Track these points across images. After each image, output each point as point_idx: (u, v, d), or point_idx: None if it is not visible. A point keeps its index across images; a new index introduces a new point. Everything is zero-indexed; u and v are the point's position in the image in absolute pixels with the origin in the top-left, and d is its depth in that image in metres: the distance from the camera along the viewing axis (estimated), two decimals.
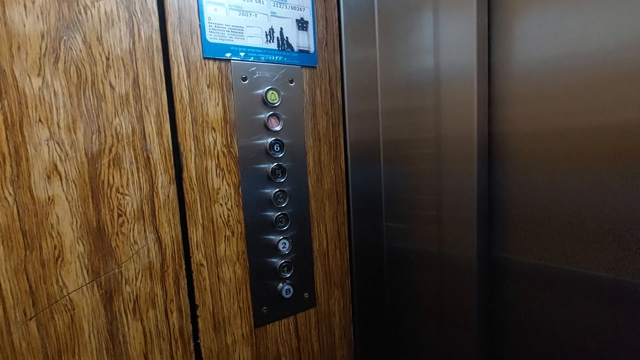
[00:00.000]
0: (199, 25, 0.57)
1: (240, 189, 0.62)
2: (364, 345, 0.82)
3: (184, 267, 0.58)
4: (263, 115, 0.63)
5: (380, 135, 0.79)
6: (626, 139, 0.51)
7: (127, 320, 0.54)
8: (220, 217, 0.60)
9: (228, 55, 0.59)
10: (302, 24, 0.66)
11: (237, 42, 0.60)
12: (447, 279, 0.71)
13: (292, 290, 0.68)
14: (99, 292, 0.52)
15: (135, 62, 0.52)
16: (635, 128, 0.50)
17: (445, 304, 0.73)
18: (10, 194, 0.46)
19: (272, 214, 0.65)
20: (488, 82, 0.64)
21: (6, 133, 0.45)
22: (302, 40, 0.67)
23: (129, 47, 0.52)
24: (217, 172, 0.59)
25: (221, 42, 0.58)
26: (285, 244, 0.67)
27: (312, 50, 0.68)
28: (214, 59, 0.58)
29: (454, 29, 0.63)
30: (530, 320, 0.65)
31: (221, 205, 0.60)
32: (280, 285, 0.67)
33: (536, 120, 0.60)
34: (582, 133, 0.55)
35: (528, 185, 0.62)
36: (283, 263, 0.67)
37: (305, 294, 0.72)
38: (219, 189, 0.60)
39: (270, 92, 0.63)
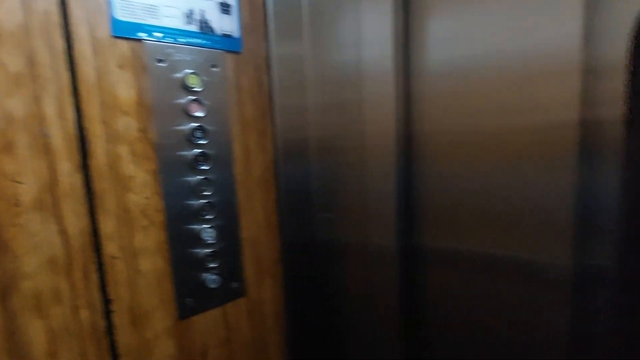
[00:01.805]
0: (107, 1, 0.53)
1: (159, 176, 0.59)
2: (296, 332, 0.83)
3: (94, 260, 0.54)
4: (183, 100, 0.61)
5: (310, 126, 0.79)
6: (525, 136, 0.57)
7: (27, 317, 0.50)
8: (136, 206, 0.57)
9: (141, 35, 0.56)
10: (225, 8, 0.65)
11: (151, 21, 0.57)
12: (371, 267, 0.74)
13: (219, 280, 0.67)
14: None
15: (30, 38, 0.48)
16: (530, 127, 0.56)
17: (371, 291, 0.76)
18: None
19: (196, 202, 0.64)
20: (407, 80, 0.67)
21: None
22: (225, 25, 0.65)
23: (22, 22, 0.47)
24: (132, 159, 0.56)
25: (133, 20, 0.55)
26: (210, 233, 0.65)
27: (236, 35, 0.67)
28: (125, 39, 0.55)
29: (373, 25, 0.66)
30: (448, 299, 0.70)
31: (137, 193, 0.57)
32: (206, 275, 0.66)
33: (450, 118, 0.64)
34: (488, 130, 0.60)
35: (444, 177, 0.66)
36: (209, 252, 0.66)
37: (234, 283, 0.71)
38: (133, 176, 0.57)
39: (191, 76, 0.61)
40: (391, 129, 0.66)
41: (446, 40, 0.63)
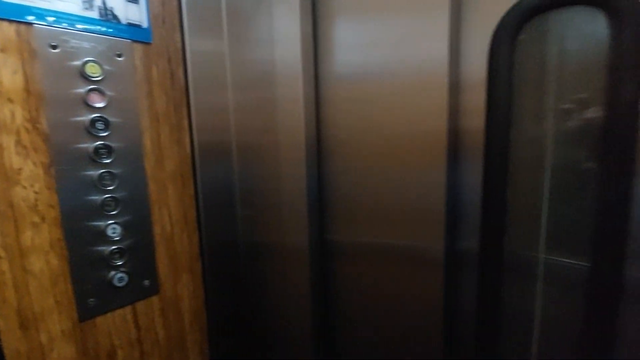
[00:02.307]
0: None
1: (52, 169, 0.56)
2: (218, 330, 0.83)
3: None
4: (82, 90, 0.58)
5: (232, 123, 0.80)
6: (408, 140, 0.62)
7: None
8: (24, 201, 0.53)
9: (30, 18, 0.52)
10: None
11: (41, 4, 0.53)
12: (287, 264, 0.76)
13: (127, 278, 0.65)
14: None
15: None
16: (412, 133, 0.61)
17: (288, 287, 0.78)
18: None
19: (98, 197, 0.61)
20: (316, 82, 0.70)
21: None
22: (132, 13, 0.63)
23: None
24: (18, 150, 0.52)
25: (19, 2, 0.51)
26: (115, 229, 0.63)
27: (145, 25, 0.65)
28: (10, 21, 0.51)
29: (283, 25, 0.68)
30: (357, 288, 0.74)
31: (24, 187, 0.53)
32: (112, 273, 0.63)
33: (353, 121, 0.69)
34: (381, 134, 0.65)
35: (349, 176, 0.71)
36: (114, 250, 0.63)
37: (146, 280, 0.69)
38: (20, 169, 0.53)
39: (90, 64, 0.58)
40: (301, 130, 0.68)
41: (349, 47, 0.67)
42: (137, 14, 0.63)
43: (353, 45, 0.66)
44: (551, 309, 0.61)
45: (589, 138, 0.52)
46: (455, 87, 0.57)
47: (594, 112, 0.51)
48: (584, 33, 0.51)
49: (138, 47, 0.64)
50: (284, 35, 0.68)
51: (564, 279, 0.58)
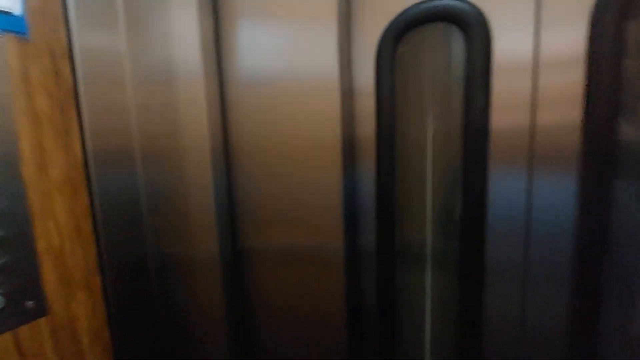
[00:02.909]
0: None
1: None
2: (125, 348, 0.77)
3: None
4: None
5: (133, 127, 0.75)
6: (309, 146, 0.65)
7: None
8: None
9: None
10: None
11: None
12: (200, 274, 0.74)
13: (3, 300, 0.57)
14: None
15: None
16: (312, 139, 0.64)
17: (201, 298, 0.76)
18: None
19: None
20: (221, 85, 0.70)
21: None
22: (2, 3, 0.56)
23: None
24: None
25: None
26: None
27: (17, 11, 0.58)
28: None
29: (183, 23, 0.66)
30: (273, 293, 0.75)
31: None
32: None
33: (259, 126, 0.70)
34: (284, 139, 0.67)
35: (260, 180, 0.72)
36: None
37: (29, 302, 0.61)
38: None
39: None
40: (206, 133, 0.67)
41: (253, 50, 0.68)
42: (8, 3, 0.57)
43: (256, 48, 0.68)
44: (442, 291, 0.69)
45: (456, 141, 0.61)
46: (348, 94, 0.62)
47: (456, 118, 0.59)
48: (450, 46, 0.60)
49: (12, 41, 0.57)
50: (183, 34, 0.67)
51: (448, 262, 0.67)
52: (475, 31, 0.53)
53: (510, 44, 0.54)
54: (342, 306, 0.69)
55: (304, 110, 0.64)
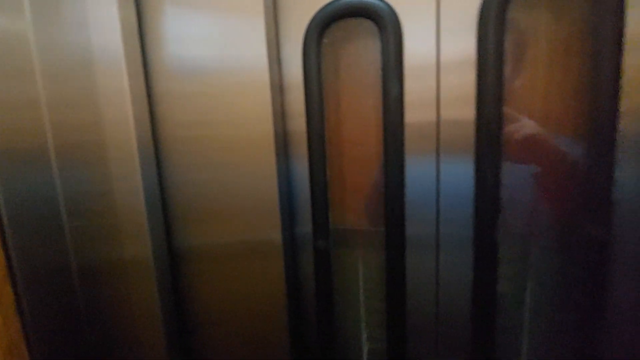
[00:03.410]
0: None
1: None
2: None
3: None
4: None
5: (45, 119, 0.68)
6: (243, 141, 0.66)
7: None
8: None
9: None
10: None
11: None
12: (131, 278, 0.71)
13: None
14: None
15: None
16: (245, 134, 0.66)
17: (134, 303, 0.72)
18: None
19: None
20: (146, 75, 0.67)
21: None
22: None
23: None
24: None
25: None
26: None
27: None
28: None
29: (101, 7, 0.62)
30: (212, 291, 0.75)
31: None
32: None
33: (193, 118, 0.68)
34: (220, 132, 0.67)
35: (189, 177, 0.70)
36: None
37: None
38: None
39: None
40: (131, 126, 0.64)
41: (179, 40, 0.67)
42: None
43: (183, 38, 0.66)
44: (372, 271, 0.77)
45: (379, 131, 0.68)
46: (279, 87, 0.65)
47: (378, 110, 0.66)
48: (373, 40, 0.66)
49: None
50: (102, 19, 0.63)
51: (376, 244, 0.74)
52: (389, 27, 0.60)
53: (417, 44, 0.62)
54: (282, 297, 0.71)
55: (236, 102, 0.65)
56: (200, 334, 0.77)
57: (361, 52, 0.68)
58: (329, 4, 0.64)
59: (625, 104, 0.55)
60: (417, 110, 0.64)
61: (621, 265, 0.59)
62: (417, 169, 0.66)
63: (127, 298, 0.72)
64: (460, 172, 0.64)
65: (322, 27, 0.65)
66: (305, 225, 0.74)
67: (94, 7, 0.62)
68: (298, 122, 0.69)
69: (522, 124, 0.62)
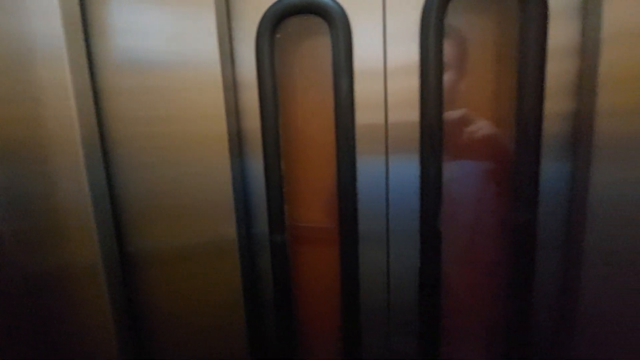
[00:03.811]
0: None
1: None
2: None
3: None
4: None
5: None
6: (195, 140, 0.65)
7: None
8: None
9: None
10: None
11: None
12: (80, 284, 0.67)
13: None
14: None
15: None
16: (196, 132, 0.65)
17: (83, 309, 0.69)
18: None
19: None
20: (91, 68, 0.64)
21: None
22: None
23: None
24: None
25: None
26: None
27: None
28: None
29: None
30: (167, 292, 0.73)
31: None
32: None
33: (143, 114, 0.66)
34: (173, 130, 0.66)
35: (138, 179, 0.68)
36: None
37: None
38: None
39: None
40: (74, 121, 0.61)
41: (127, 32, 0.65)
42: None
43: (131, 30, 0.64)
44: (327, 266, 0.79)
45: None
46: (233, 84, 0.65)
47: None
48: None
49: None
50: (41, 6, 0.59)
51: (330, 240, 0.77)
52: (339, 25, 0.62)
53: (366, 42, 0.65)
54: (239, 295, 0.71)
55: (188, 97, 0.64)
56: (157, 338, 0.75)
57: (314, 50, 0.70)
58: (278, 1, 0.64)
59: (549, 106, 0.62)
60: (366, 111, 0.67)
61: (543, 245, 0.67)
62: (368, 168, 0.69)
63: (76, 306, 0.68)
64: (407, 171, 0.68)
65: (274, 23, 0.65)
66: (262, 223, 0.75)
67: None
68: (254, 120, 0.70)
69: (482, 124, 0.66)
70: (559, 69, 0.61)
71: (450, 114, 0.67)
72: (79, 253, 0.65)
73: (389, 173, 0.69)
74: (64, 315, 0.69)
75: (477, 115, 0.67)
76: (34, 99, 0.61)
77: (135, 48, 0.64)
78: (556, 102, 0.62)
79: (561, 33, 0.60)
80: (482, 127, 0.67)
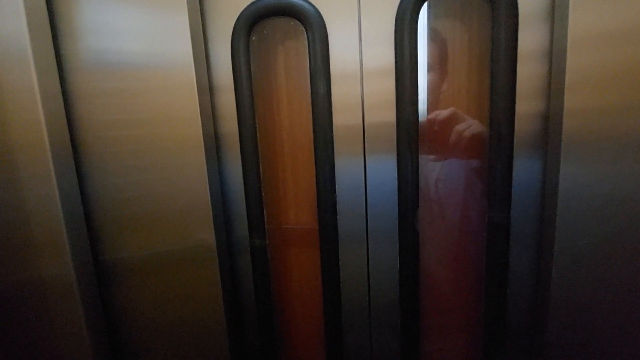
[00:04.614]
0: None
1: None
2: None
3: None
4: None
5: None
6: (171, 144, 0.64)
7: None
8: None
9: None
10: None
11: None
12: (53, 298, 0.65)
13: None
14: None
15: None
16: (171, 136, 0.64)
17: (57, 324, 0.66)
18: None
19: None
20: (59, 69, 0.62)
21: None
22: None
23: None
24: None
25: None
26: None
27: None
28: None
29: None
30: (146, 304, 0.72)
31: None
32: None
33: (110, 119, 0.64)
34: (140, 135, 0.64)
35: (114, 182, 0.66)
36: None
37: None
38: None
39: None
40: (41, 124, 0.59)
41: (98, 33, 0.63)
42: None
43: (101, 30, 0.62)
44: (308, 267, 0.79)
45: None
46: (208, 87, 0.64)
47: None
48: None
49: None
50: (3, 4, 0.56)
51: (310, 242, 0.77)
52: (314, 27, 0.62)
53: (341, 44, 0.65)
54: (219, 301, 0.70)
55: (162, 100, 0.62)
56: (136, 347, 0.73)
57: (291, 52, 0.69)
58: (256, 1, 0.64)
59: (520, 107, 0.64)
60: (344, 113, 0.67)
61: (517, 242, 0.69)
62: (346, 169, 0.69)
63: (50, 317, 0.66)
64: (385, 171, 0.69)
65: (249, 25, 0.65)
66: (242, 227, 0.74)
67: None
68: (231, 123, 0.69)
69: (470, 123, 0.68)
70: (529, 71, 0.63)
71: (438, 114, 0.68)
72: (51, 263, 0.63)
73: (367, 174, 0.70)
74: (36, 327, 0.67)
75: (465, 115, 0.68)
76: (1, 104, 0.59)
77: (106, 49, 0.62)
78: (527, 103, 0.64)
79: (531, 37, 0.62)
80: (471, 125, 0.68)
